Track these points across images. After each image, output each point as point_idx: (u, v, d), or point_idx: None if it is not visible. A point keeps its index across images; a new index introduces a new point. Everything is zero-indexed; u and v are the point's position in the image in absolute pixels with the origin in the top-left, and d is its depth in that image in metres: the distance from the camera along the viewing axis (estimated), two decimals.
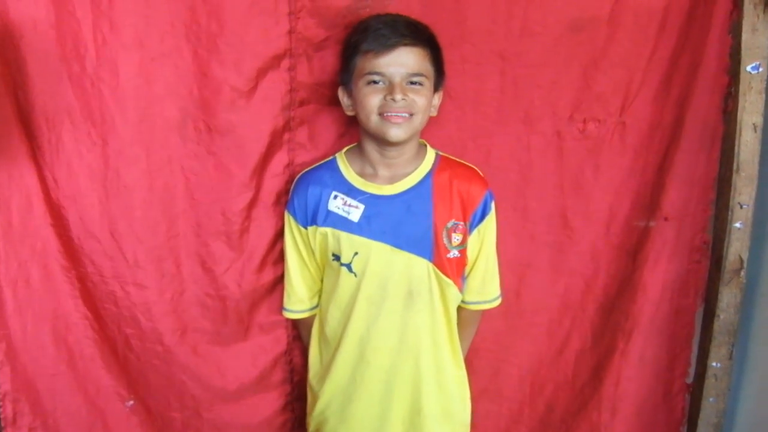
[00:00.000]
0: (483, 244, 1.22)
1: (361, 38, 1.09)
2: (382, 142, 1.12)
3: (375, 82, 1.09)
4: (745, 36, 1.22)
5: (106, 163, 1.17)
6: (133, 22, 1.12)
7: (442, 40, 1.17)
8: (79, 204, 1.17)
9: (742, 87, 1.24)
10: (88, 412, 1.27)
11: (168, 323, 1.27)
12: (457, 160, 1.24)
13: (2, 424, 1.21)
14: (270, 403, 1.39)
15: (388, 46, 1.06)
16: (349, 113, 1.16)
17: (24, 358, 1.20)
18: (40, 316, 1.20)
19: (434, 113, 1.18)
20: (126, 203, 1.20)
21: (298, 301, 1.25)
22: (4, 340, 1.18)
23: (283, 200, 1.27)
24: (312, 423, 1.30)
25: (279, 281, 1.30)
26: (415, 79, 1.09)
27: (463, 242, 1.18)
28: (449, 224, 1.16)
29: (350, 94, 1.14)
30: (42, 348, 1.21)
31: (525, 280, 1.39)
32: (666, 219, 1.34)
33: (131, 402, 1.29)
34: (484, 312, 1.32)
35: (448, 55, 1.19)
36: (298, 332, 1.35)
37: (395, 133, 1.09)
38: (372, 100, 1.09)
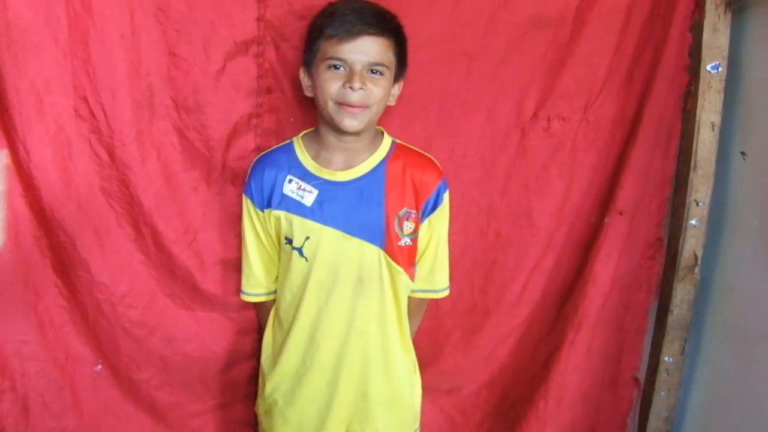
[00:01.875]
0: (433, 234, 1.23)
1: (327, 22, 1.09)
2: (337, 129, 1.13)
3: (336, 68, 1.09)
4: (706, 36, 1.24)
5: (78, 134, 1.19)
6: None
7: (408, 39, 1.17)
8: (51, 174, 1.18)
9: (702, 86, 1.26)
10: (57, 376, 1.30)
11: (138, 286, 1.30)
12: (414, 148, 1.24)
13: None
14: (236, 375, 1.42)
15: (352, 33, 1.06)
16: (308, 94, 1.17)
17: None
18: (8, 285, 1.23)
19: (392, 102, 1.18)
20: (95, 174, 1.22)
21: (256, 284, 1.27)
22: None
23: None
24: (261, 405, 1.32)
25: None
26: (375, 68, 1.09)
27: (415, 231, 1.19)
28: (401, 212, 1.17)
29: (311, 75, 1.15)
30: (10, 315, 1.24)
31: (491, 277, 1.41)
32: (620, 213, 1.36)
33: (99, 366, 1.33)
34: (450, 309, 1.34)
35: (412, 55, 1.19)
36: (258, 316, 1.37)
37: (350, 123, 1.10)
38: (331, 86, 1.09)
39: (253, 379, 1.44)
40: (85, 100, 1.18)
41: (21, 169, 1.19)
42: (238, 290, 1.32)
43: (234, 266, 1.33)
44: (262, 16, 1.22)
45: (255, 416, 1.45)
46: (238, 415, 1.46)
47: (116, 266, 1.28)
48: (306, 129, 1.29)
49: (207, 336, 1.36)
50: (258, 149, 1.30)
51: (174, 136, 1.25)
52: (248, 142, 1.29)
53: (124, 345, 1.32)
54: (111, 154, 1.22)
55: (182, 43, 1.20)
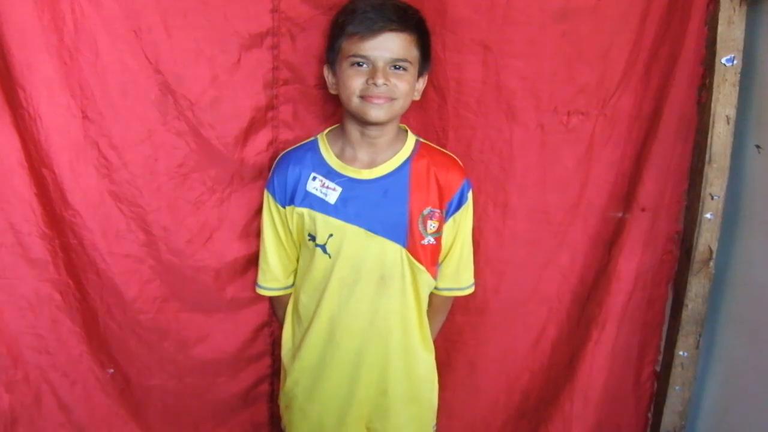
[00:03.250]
0: (458, 233, 1.23)
1: (348, 20, 1.10)
2: (363, 122, 1.13)
3: (359, 65, 1.09)
4: (721, 28, 1.23)
5: (86, 135, 1.18)
6: None
7: None
8: (60, 175, 1.18)
9: (717, 79, 1.25)
10: (70, 371, 1.30)
11: (149, 291, 1.29)
12: (437, 147, 1.25)
13: None
14: (250, 373, 1.41)
15: (373, 30, 1.07)
16: (333, 92, 1.18)
17: (6, 317, 1.23)
18: (23, 280, 1.23)
19: (417, 97, 1.18)
20: (104, 177, 1.21)
21: (273, 279, 1.27)
22: None
23: (266, 176, 1.27)
24: (282, 399, 1.33)
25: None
26: (398, 64, 1.10)
27: (439, 230, 1.19)
28: (425, 211, 1.17)
29: (335, 73, 1.15)
30: (24, 310, 1.24)
31: (504, 277, 1.40)
32: (642, 210, 1.35)
33: (112, 370, 1.33)
34: (462, 307, 1.33)
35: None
36: (273, 309, 1.37)
37: (375, 113, 1.10)
38: (354, 82, 1.10)
39: (268, 378, 1.43)
40: (94, 100, 1.16)
41: (33, 168, 1.19)
42: (252, 287, 1.32)
43: (249, 263, 1.33)
44: (276, 7, 1.21)
45: (271, 415, 1.45)
46: (254, 415, 1.46)
47: (126, 271, 1.27)
48: (322, 119, 1.29)
49: (219, 337, 1.36)
50: (274, 142, 1.29)
51: (189, 134, 1.23)
52: (265, 135, 1.28)
53: (136, 350, 1.32)
54: (121, 158, 1.21)
55: (195, 39, 1.19)
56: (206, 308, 1.33)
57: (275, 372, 1.42)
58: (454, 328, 1.41)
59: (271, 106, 1.27)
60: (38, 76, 1.12)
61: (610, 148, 1.35)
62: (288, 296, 1.31)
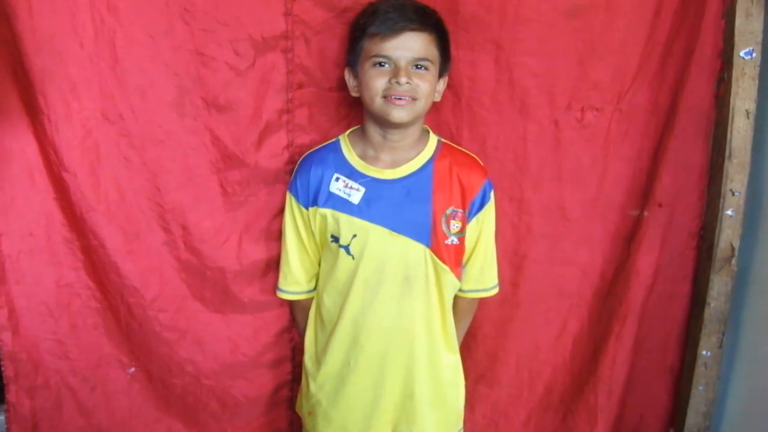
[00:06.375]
0: (481, 233, 1.23)
1: (369, 21, 1.11)
2: (385, 123, 1.13)
3: (381, 65, 1.10)
4: (739, 21, 1.21)
5: (106, 137, 1.20)
6: (130, 1, 1.15)
7: None
8: (80, 178, 1.20)
9: (736, 73, 1.23)
10: (90, 375, 1.32)
11: (169, 291, 1.30)
12: (458, 147, 1.25)
13: (5, 382, 1.28)
14: (270, 378, 1.41)
15: (395, 30, 1.08)
16: (354, 94, 1.18)
17: (26, 324, 1.25)
18: (42, 286, 1.25)
19: (438, 98, 1.18)
20: (125, 177, 1.23)
21: (294, 282, 1.27)
22: (6, 306, 1.24)
23: (282, 179, 1.29)
24: (305, 405, 1.31)
25: (279, 258, 1.31)
26: (420, 63, 1.10)
27: (462, 230, 1.19)
28: (448, 211, 1.17)
29: (356, 75, 1.16)
30: (44, 315, 1.26)
31: (522, 271, 1.39)
32: (660, 205, 1.34)
33: (132, 369, 1.34)
34: (481, 301, 1.33)
35: None
36: (293, 314, 1.37)
37: (398, 114, 1.10)
38: (377, 82, 1.10)
39: (288, 384, 1.43)
40: (114, 103, 1.19)
41: (53, 173, 1.21)
42: (271, 291, 1.32)
43: (267, 267, 1.33)
44: (289, 11, 1.22)
45: (291, 421, 1.44)
46: (273, 420, 1.45)
47: (146, 270, 1.28)
48: (337, 123, 1.29)
49: (238, 339, 1.36)
50: (290, 146, 1.30)
51: (205, 136, 1.25)
52: (280, 139, 1.29)
53: (156, 349, 1.33)
54: (141, 157, 1.23)
55: (210, 42, 1.21)
56: (225, 310, 1.34)
57: (295, 378, 1.41)
58: (475, 321, 1.40)
59: (286, 110, 1.28)
60: (58, 82, 1.15)
61: (627, 143, 1.34)
62: (309, 301, 1.30)
